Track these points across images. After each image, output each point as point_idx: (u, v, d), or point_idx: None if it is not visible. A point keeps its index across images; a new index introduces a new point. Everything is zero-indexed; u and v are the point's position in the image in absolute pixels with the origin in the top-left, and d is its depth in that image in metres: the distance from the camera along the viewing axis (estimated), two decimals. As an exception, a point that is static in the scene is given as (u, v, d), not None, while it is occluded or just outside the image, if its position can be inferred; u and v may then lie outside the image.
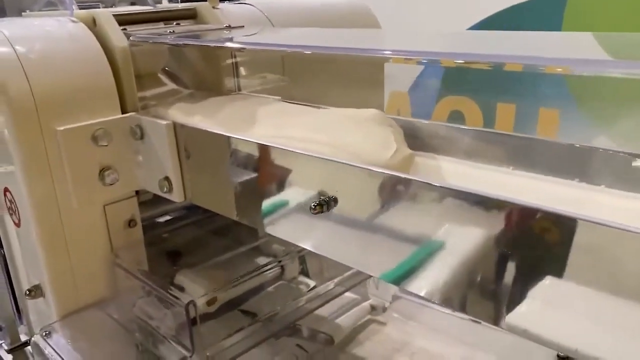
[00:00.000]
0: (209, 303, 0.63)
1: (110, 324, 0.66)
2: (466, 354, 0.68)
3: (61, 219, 0.64)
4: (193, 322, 0.57)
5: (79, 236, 0.66)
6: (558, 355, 0.56)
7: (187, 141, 0.59)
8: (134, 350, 0.65)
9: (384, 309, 0.74)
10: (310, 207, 0.45)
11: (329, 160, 0.45)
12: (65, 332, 0.64)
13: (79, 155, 0.62)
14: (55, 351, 0.61)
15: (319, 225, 0.47)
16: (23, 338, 0.80)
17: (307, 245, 0.50)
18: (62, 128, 0.61)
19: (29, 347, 0.78)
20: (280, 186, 0.50)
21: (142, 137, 0.63)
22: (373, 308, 0.75)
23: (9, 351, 0.78)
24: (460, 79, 1.47)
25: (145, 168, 0.65)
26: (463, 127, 0.55)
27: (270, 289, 0.69)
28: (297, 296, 0.68)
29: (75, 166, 0.62)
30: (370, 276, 0.76)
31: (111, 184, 0.65)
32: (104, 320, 0.66)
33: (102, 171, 0.64)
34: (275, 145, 0.50)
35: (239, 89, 0.78)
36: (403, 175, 0.40)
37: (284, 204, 0.50)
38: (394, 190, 0.41)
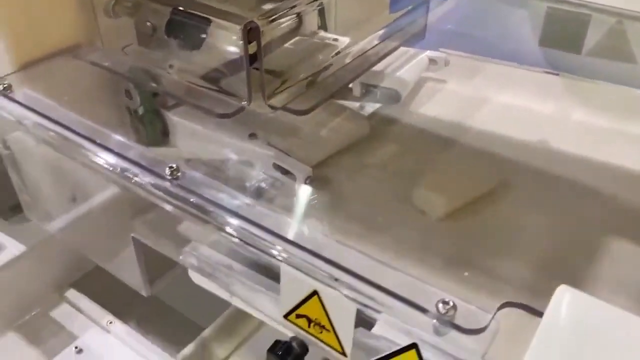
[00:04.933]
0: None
1: (94, 71, 0.46)
2: (555, 106, 0.54)
3: None
4: (252, 58, 0.37)
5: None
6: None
7: None
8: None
9: (447, 62, 0.58)
10: None
11: None
12: (33, 85, 0.43)
13: None
14: (24, 105, 0.41)
15: None
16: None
17: None
18: None
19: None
20: None
21: None
22: (433, 62, 0.58)
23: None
24: None
25: None
26: None
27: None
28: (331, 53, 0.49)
29: None
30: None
31: None
32: (84, 67, 0.46)
33: None
34: None
35: None
36: None
37: None
38: None
